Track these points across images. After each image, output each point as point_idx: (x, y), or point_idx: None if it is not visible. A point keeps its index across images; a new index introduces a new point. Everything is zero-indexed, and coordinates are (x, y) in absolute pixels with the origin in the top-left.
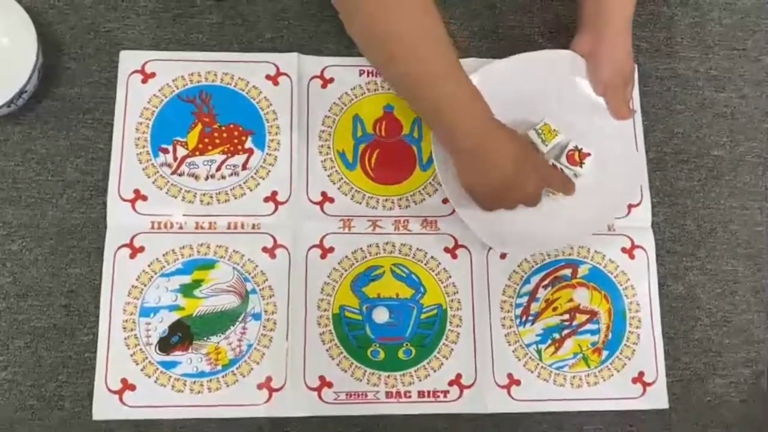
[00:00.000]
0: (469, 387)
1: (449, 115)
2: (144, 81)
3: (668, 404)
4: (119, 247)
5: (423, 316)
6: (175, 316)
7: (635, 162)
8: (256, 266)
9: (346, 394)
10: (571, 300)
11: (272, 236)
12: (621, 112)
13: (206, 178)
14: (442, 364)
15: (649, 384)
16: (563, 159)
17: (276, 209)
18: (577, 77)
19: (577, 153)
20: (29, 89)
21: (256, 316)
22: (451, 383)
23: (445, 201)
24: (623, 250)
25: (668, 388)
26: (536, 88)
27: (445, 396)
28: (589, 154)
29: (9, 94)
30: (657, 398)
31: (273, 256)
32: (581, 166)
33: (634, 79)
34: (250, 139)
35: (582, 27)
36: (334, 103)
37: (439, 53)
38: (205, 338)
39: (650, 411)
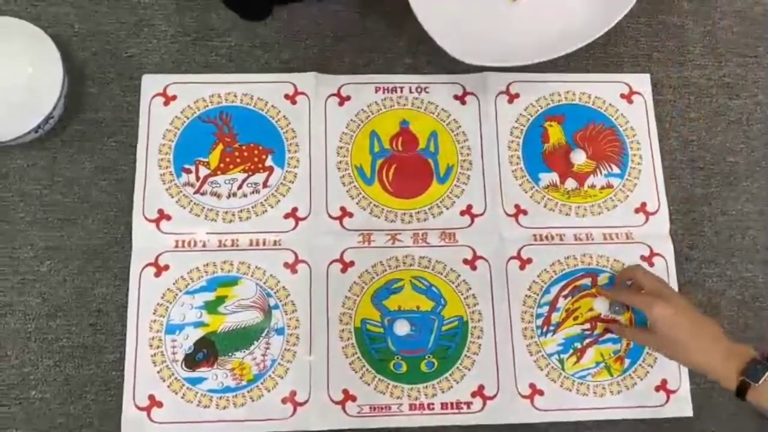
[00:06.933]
0: (492, 398)
1: None
2: (166, 103)
3: (692, 412)
4: (144, 266)
5: (444, 328)
6: (200, 332)
7: None
8: (278, 282)
9: (370, 407)
10: (591, 309)
11: (293, 252)
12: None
13: (228, 197)
14: (464, 375)
15: (673, 392)
16: None
17: (296, 225)
18: None
19: None
20: (55, 115)
21: (280, 331)
22: (473, 394)
23: (462, 213)
24: (642, 257)
25: (691, 396)
26: None
27: (468, 407)
28: None
29: (36, 120)
30: (681, 406)
31: (294, 271)
32: None
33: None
34: (270, 157)
35: None
36: (351, 119)
37: None
38: (230, 354)
39: (674, 419)
